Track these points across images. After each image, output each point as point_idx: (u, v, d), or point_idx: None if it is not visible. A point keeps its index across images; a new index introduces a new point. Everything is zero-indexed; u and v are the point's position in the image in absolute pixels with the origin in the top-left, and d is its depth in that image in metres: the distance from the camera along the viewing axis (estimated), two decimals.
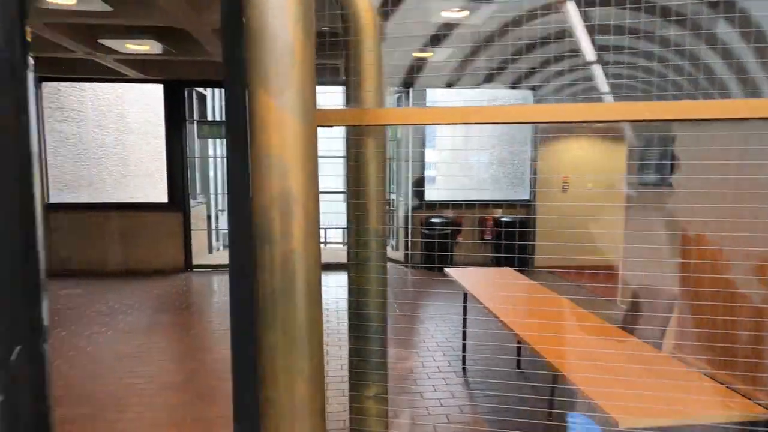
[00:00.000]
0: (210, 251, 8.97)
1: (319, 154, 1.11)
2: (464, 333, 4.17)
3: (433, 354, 4.40)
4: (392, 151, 9.10)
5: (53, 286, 6.68)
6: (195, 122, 7.50)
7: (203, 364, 4.25)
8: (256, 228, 0.99)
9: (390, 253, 8.71)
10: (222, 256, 8.58)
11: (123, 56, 5.85)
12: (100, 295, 6.22)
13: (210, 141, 9.41)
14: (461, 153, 10.44)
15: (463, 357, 4.15)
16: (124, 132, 7.99)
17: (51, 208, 7.33)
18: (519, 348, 4.17)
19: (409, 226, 7.90)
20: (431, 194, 8.06)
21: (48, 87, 7.24)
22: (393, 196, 8.95)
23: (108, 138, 7.79)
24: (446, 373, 4.01)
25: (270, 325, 1.02)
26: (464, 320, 4.19)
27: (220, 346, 4.71)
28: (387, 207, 7.93)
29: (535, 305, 3.49)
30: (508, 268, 4.51)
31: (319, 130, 1.15)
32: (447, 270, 4.35)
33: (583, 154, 7.98)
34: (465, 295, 4.02)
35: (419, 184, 7.85)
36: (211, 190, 9.35)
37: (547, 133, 7.89)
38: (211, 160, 9.48)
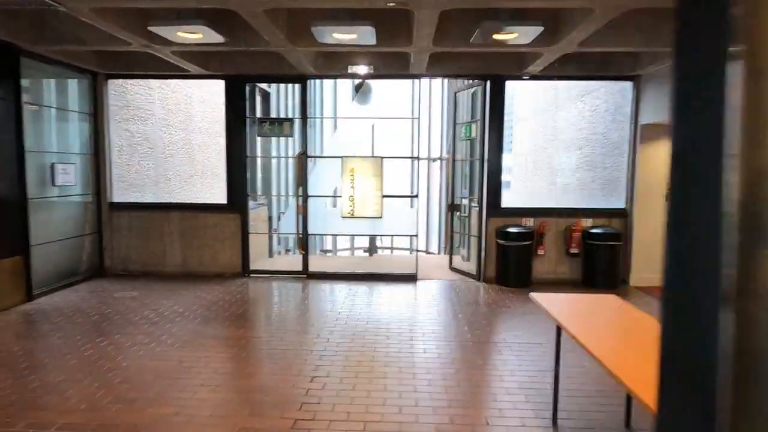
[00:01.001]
0: (270, 255, 8.60)
1: None
2: (556, 374, 3.32)
3: (513, 398, 3.57)
4: (465, 151, 8.29)
5: (111, 287, 6.51)
6: (257, 120, 7.13)
7: (242, 393, 3.70)
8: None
9: (460, 264, 7.89)
10: (282, 261, 8.17)
11: (179, 48, 5.52)
12: (154, 300, 5.93)
13: (273, 140, 9.07)
14: (544, 154, 9.40)
15: (554, 405, 3.30)
16: (192, 132, 7.79)
17: (114, 207, 7.23)
18: (629, 400, 3.26)
19: (482, 235, 7.06)
20: (509, 199, 7.16)
21: (114, 84, 7.15)
22: (465, 201, 8.14)
23: (175, 137, 7.61)
24: (533, 428, 3.18)
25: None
26: (557, 357, 3.34)
27: (267, 368, 4.16)
28: (456, 212, 7.07)
29: (650, 346, 2.60)
30: (612, 295, 3.59)
31: None
32: (533, 296, 3.51)
33: None
34: (559, 328, 3.17)
35: (495, 188, 6.98)
36: (273, 192, 8.99)
37: (651, 131, 6.75)
38: (273, 161, 9.13)
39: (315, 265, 7.39)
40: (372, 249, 8.34)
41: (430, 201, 15.09)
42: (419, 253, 10.16)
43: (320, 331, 4.92)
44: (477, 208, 7.48)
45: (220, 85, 6.99)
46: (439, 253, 14.18)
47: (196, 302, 5.86)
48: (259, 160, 8.42)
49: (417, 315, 5.53)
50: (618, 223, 7.01)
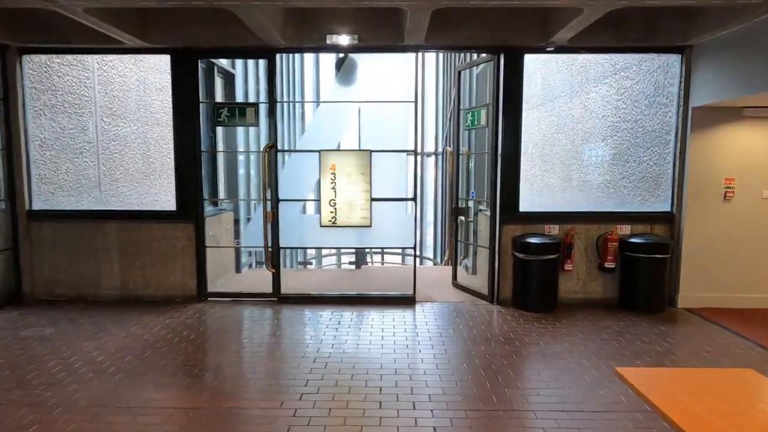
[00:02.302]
0: (238, 270, 7.17)
1: None
2: None
3: None
4: (472, 143, 6.93)
5: (21, 322, 5.04)
6: (213, 105, 5.68)
7: None
8: None
9: (465, 278, 6.53)
10: (251, 279, 6.74)
11: (94, 3, 4.07)
12: (71, 341, 4.49)
13: (241, 132, 7.62)
14: (556, 147, 8.06)
15: None
16: (148, 124, 6.32)
17: (33, 217, 5.75)
18: None
19: (496, 246, 5.70)
20: (527, 202, 5.81)
21: (32, 62, 5.65)
22: (471, 204, 6.78)
23: (124, 130, 6.15)
24: None
25: None
26: None
27: None
28: (461, 217, 5.71)
29: None
30: (750, 370, 2.24)
31: None
32: (621, 372, 2.16)
33: (759, 144, 5.45)
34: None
35: (511, 188, 5.62)
36: (242, 194, 7.54)
37: (705, 115, 5.44)
38: (241, 157, 7.68)
39: (289, 285, 5.98)
40: (360, 260, 6.98)
41: (425, 203, 13.71)
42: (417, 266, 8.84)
43: (288, 392, 3.52)
44: (487, 213, 6.13)
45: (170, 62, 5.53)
46: (435, 261, 12.81)
47: (128, 344, 4.42)
48: (221, 156, 6.98)
49: (418, 361, 4.15)
50: (662, 229, 5.69)
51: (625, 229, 5.68)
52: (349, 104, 5.67)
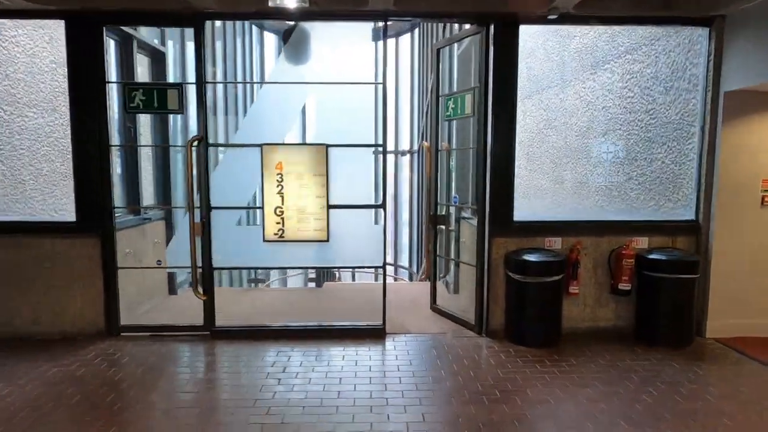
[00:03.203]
0: (173, 291, 5.89)
1: None
2: None
3: None
4: (454, 137, 5.83)
5: None
6: (125, 87, 4.40)
7: None
8: None
9: (446, 300, 5.41)
10: (191, 304, 5.46)
11: None
12: None
13: (181, 122, 6.35)
14: (545, 144, 6.99)
15: None
16: (48, 111, 5.01)
17: None
18: None
19: (485, 264, 4.59)
20: (523, 209, 4.72)
21: None
22: (452, 210, 5.67)
23: (26, 121, 4.82)
24: None
25: None
26: None
27: None
28: (441, 226, 4.54)
29: None
30: None
31: None
32: None
33: None
34: None
35: (504, 192, 4.51)
36: (179, 200, 6.25)
37: (740, 101, 4.43)
38: (178, 152, 6.41)
39: (229, 312, 4.76)
40: (322, 278, 5.80)
41: (400, 209, 12.57)
42: (390, 282, 7.78)
43: None
44: (472, 221, 5.03)
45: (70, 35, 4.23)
46: (412, 271, 11.67)
47: None
48: (150, 152, 5.69)
49: None
50: (685, 242, 4.66)
51: (641, 242, 4.63)
52: (299, 86, 4.46)
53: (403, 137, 12.40)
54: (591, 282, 4.62)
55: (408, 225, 12.36)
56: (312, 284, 6.29)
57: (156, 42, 5.65)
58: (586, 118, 6.55)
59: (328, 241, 4.41)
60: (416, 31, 11.18)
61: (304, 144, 4.45)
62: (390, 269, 12.41)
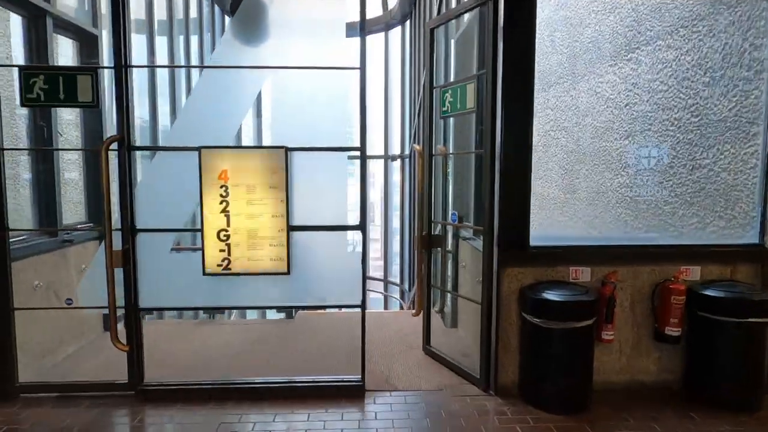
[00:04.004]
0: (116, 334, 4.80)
1: None
2: None
3: None
4: (452, 138, 4.83)
5: None
6: (21, 72, 3.34)
7: None
8: None
9: (442, 338, 4.40)
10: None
11: None
12: None
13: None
14: (555, 147, 5.97)
15: None
16: None
17: None
18: None
19: (493, 300, 3.57)
20: (540, 230, 3.69)
21: None
22: (449, 228, 4.67)
23: None
24: None
25: None
26: None
27: None
28: (437, 249, 3.52)
29: None
30: None
31: None
32: None
33: None
34: None
35: (518, 210, 3.48)
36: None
37: None
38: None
39: (166, 357, 3.71)
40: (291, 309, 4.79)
41: (390, 216, 11.53)
42: (376, 313, 6.81)
43: None
44: (475, 242, 4.03)
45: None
46: (402, 289, 10.63)
47: None
48: (74, 157, 4.63)
49: None
50: (747, 272, 3.66)
51: (691, 273, 3.63)
52: (251, 73, 3.41)
53: (393, 140, 11.39)
54: (628, 324, 3.61)
55: (399, 233, 11.36)
56: (282, 314, 5.30)
57: (85, 22, 4.59)
58: (605, 117, 5.57)
59: (288, 273, 3.36)
60: (407, 23, 10.19)
61: (258, 147, 3.43)
62: (379, 285, 11.36)
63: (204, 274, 3.32)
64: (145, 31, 6.74)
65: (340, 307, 3.47)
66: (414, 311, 4.19)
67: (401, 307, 10.27)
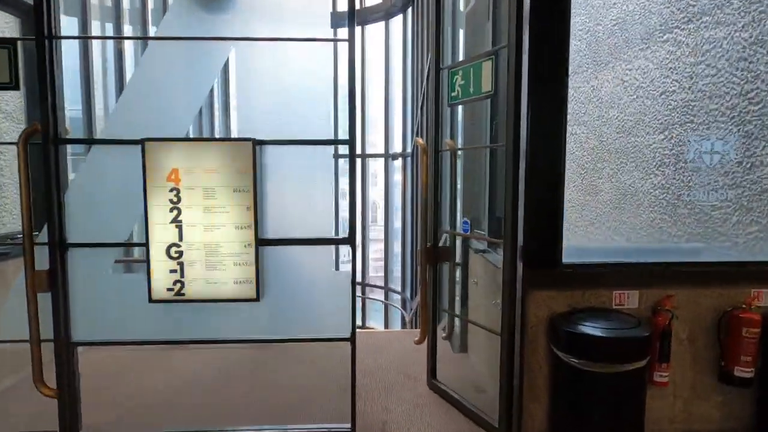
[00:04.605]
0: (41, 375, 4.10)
1: None
2: None
3: None
4: (454, 130, 4.12)
5: None
6: None
7: None
8: None
9: (450, 369, 3.69)
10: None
11: None
12: None
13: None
14: (571, 143, 5.23)
15: None
16: None
17: None
18: None
19: (516, 328, 2.85)
20: (573, 240, 2.97)
21: None
22: (458, 238, 3.96)
23: None
24: None
25: None
26: None
27: None
28: (444, 263, 2.89)
29: None
30: None
31: None
32: None
33: None
34: None
35: (546, 218, 2.75)
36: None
37: None
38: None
39: (105, 404, 3.00)
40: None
41: (391, 217, 10.81)
42: (372, 333, 6.12)
43: None
44: (493, 257, 3.32)
45: None
46: (403, 297, 9.91)
47: None
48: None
49: None
50: None
51: (763, 297, 2.90)
52: (211, 46, 2.71)
53: (395, 138, 10.67)
54: (686, 361, 2.89)
55: (401, 234, 10.65)
56: None
57: None
58: (634, 109, 4.86)
59: (258, 299, 2.65)
60: (409, 10, 9.47)
61: (217, 139, 2.72)
62: (379, 293, 10.64)
63: (150, 300, 2.61)
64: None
65: (323, 340, 2.75)
66: (417, 338, 3.48)
67: (403, 319, 9.56)
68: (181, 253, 2.60)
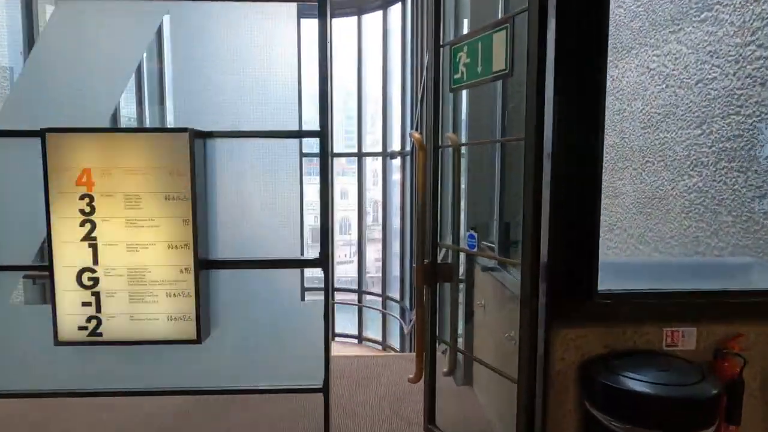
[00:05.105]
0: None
1: None
2: None
3: None
4: (456, 122, 3.49)
5: None
6: None
7: None
8: None
9: (451, 412, 3.04)
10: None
11: None
12: None
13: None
14: (612, 138, 4.57)
15: None
16: None
17: None
18: None
19: (538, 379, 2.21)
20: (606, 267, 2.33)
21: None
22: (459, 254, 3.32)
23: None
24: None
25: None
26: None
27: None
28: (436, 281, 2.28)
29: None
30: None
31: None
32: None
33: None
34: None
35: (580, 234, 2.11)
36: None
37: None
38: None
39: None
40: None
41: (390, 218, 10.18)
42: (360, 355, 5.64)
43: None
44: (505, 277, 2.69)
45: None
46: (402, 306, 9.29)
47: None
48: None
49: None
50: None
51: None
52: (139, 6, 2.07)
53: (393, 136, 10.04)
54: (755, 418, 2.24)
55: (399, 235, 10.03)
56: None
57: None
58: (663, 101, 4.20)
59: (199, 341, 2.02)
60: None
61: (143, 130, 2.09)
62: (377, 301, 10.02)
63: (57, 343, 1.98)
64: None
65: (286, 391, 2.12)
66: (411, 376, 2.84)
67: (401, 330, 8.94)
68: (96, 281, 1.97)
